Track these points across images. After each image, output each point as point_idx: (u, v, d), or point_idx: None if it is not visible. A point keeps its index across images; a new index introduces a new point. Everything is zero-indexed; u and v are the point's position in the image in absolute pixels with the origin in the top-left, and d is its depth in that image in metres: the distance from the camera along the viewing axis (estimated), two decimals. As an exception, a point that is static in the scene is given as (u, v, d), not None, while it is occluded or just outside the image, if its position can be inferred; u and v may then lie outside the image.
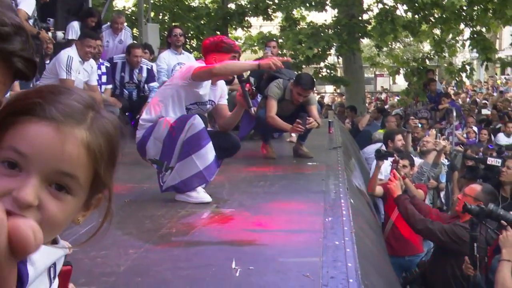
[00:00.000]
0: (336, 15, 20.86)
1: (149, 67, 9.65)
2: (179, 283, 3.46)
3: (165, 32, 20.28)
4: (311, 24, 20.91)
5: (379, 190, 7.69)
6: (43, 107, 1.11)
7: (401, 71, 23.95)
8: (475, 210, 5.22)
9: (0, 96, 1.12)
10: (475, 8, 19.43)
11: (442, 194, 10.12)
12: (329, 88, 34.10)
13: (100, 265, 3.55)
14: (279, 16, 22.56)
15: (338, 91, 30.40)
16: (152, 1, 19.62)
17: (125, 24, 11.16)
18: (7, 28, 1.06)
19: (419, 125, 12.44)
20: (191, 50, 18.42)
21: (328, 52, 20.80)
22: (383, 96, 33.72)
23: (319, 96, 27.79)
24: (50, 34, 8.72)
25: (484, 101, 24.95)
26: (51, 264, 1.20)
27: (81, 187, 1.14)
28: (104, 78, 9.15)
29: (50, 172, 1.09)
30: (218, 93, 5.81)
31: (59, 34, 8.84)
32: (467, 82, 27.25)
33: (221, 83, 5.90)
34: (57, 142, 1.10)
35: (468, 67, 20.70)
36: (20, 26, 1.08)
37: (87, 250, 3.61)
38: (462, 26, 20.52)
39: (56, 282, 1.23)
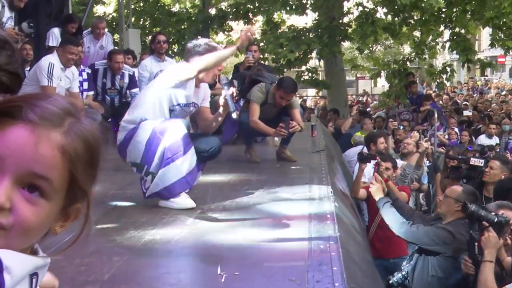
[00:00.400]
0: (317, 18, 20.84)
1: (131, 73, 9.62)
2: None
3: (146, 38, 20.41)
4: (292, 27, 20.96)
5: (362, 193, 7.71)
6: (21, 110, 1.11)
7: (382, 73, 24.03)
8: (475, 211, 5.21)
9: None
10: (454, 10, 19.53)
11: (421, 195, 10.18)
12: (311, 92, 34.16)
13: (84, 272, 3.53)
14: (259, 20, 22.61)
15: (320, 94, 30.46)
16: (132, 7, 19.61)
17: (106, 29, 11.13)
18: None
19: (400, 127, 12.49)
20: (173, 55, 18.38)
21: (309, 56, 20.83)
22: (365, 98, 33.87)
23: (301, 99, 27.83)
24: (16, 28, 8.62)
25: (464, 103, 25.13)
26: (32, 273, 1.18)
27: (55, 191, 1.12)
28: (85, 85, 9.10)
29: (23, 174, 1.08)
30: (201, 95, 5.81)
31: (24, 24, 8.69)
32: (448, 83, 27.41)
33: (204, 86, 5.89)
34: (30, 144, 1.09)
35: (448, 69, 20.82)
36: (6, 40, 1.06)
37: (70, 257, 3.59)
38: (441, 28, 20.61)
39: None
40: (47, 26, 9.94)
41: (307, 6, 20.73)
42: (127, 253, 4.03)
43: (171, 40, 19.80)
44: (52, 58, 8.00)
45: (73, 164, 1.13)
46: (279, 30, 21.07)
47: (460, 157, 9.07)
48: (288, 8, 20.56)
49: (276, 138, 7.87)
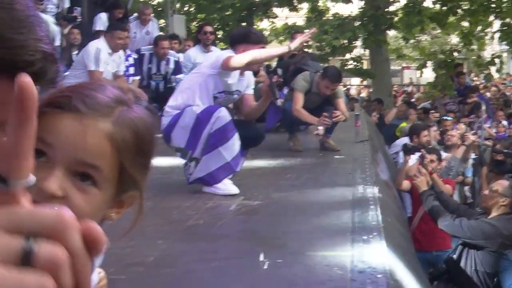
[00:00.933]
0: (363, 6, 20.64)
1: (177, 59, 9.66)
2: (206, 275, 3.48)
3: (191, 24, 20.47)
4: (337, 15, 20.79)
5: (406, 184, 7.65)
6: (70, 101, 1.13)
7: (428, 63, 23.70)
8: None
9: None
10: (504, 0, 19.13)
11: (466, 188, 10.03)
12: (355, 81, 33.90)
13: (129, 255, 3.57)
14: (304, 7, 22.46)
15: (365, 83, 30.21)
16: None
17: (152, 15, 11.19)
18: (34, 57, 1.05)
19: (446, 118, 12.28)
20: (217, 41, 18.38)
21: (354, 44, 20.66)
22: (410, 88, 33.41)
23: (345, 88, 27.62)
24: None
25: (512, 95, 24.63)
26: None
27: (106, 179, 1.14)
28: (131, 70, 9.16)
29: (74, 163, 1.11)
30: (245, 83, 5.81)
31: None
32: (497, 75, 26.90)
33: (249, 74, 5.88)
34: (79, 134, 1.11)
35: (497, 60, 20.44)
36: (46, 52, 1.06)
37: (115, 239, 3.64)
38: (491, 18, 20.22)
39: (93, 279, 1.24)
40: (94, 11, 10.04)
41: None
42: (171, 237, 4.08)
43: (215, 26, 19.86)
44: (99, 43, 8.09)
45: (122, 153, 1.14)
46: (324, 18, 20.93)
47: (506, 151, 8.95)
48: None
49: (320, 128, 7.84)
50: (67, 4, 9.64)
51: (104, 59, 7.99)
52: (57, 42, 8.93)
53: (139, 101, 1.24)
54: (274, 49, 5.94)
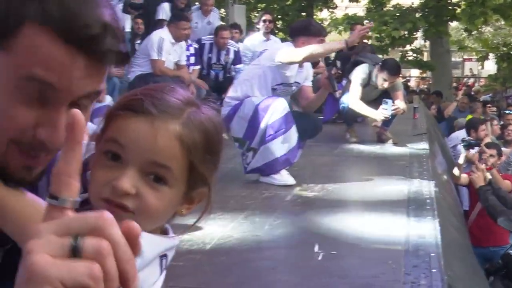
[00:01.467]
0: (424, -3, 20.33)
1: (236, 49, 9.69)
2: (261, 264, 3.51)
3: (251, 13, 20.48)
4: (398, 6, 20.51)
5: (464, 179, 7.54)
6: (142, 104, 1.16)
7: (491, 56, 23.19)
8: None
9: (99, 86, 1.18)
10: None
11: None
12: (415, 72, 33.39)
13: (187, 242, 3.65)
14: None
15: (424, 75, 29.73)
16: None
17: (213, 5, 11.25)
18: (95, 29, 1.11)
19: (508, 112, 11.98)
20: (276, 31, 18.37)
21: (414, 35, 20.34)
22: (471, 81, 32.76)
23: (404, 79, 27.25)
24: None
25: None
26: (161, 254, 1.24)
27: (176, 178, 1.17)
28: (192, 59, 9.23)
29: (146, 163, 1.14)
30: (303, 75, 5.81)
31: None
32: None
33: (307, 65, 5.89)
34: (151, 135, 1.14)
35: None
36: (107, 23, 1.11)
37: (174, 227, 3.71)
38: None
39: (164, 274, 1.29)
40: (156, 0, 10.13)
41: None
42: (227, 226, 4.13)
43: (274, 16, 19.84)
44: (162, 33, 8.20)
45: (191, 153, 1.17)
46: (384, 9, 20.69)
47: None
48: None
49: (378, 119, 7.79)
50: None
51: (166, 49, 8.09)
52: (127, 29, 9.07)
53: (207, 102, 1.28)
54: (332, 44, 5.93)
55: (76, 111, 0.86)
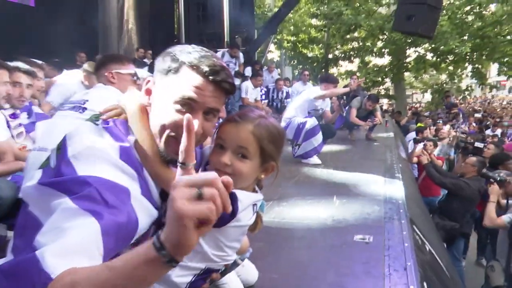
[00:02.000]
0: (390, 60, 19.79)
1: (287, 91, 9.66)
2: (305, 205, 3.35)
3: (295, 71, 20.34)
4: (375, 64, 20.10)
5: (415, 160, 7.30)
6: (233, 116, 1.19)
7: (428, 91, 22.32)
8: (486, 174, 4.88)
9: (220, 106, 1.16)
10: (474, 54, 17.80)
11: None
12: (385, 100, 32.31)
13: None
14: (356, 61, 21.79)
15: (391, 102, 28.82)
16: (286, 54, 19.56)
17: (275, 67, 11.24)
18: (217, 68, 1.10)
19: (439, 122, 11.48)
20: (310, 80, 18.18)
21: (385, 81, 19.82)
22: (417, 105, 31.51)
23: (380, 105, 26.38)
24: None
25: (479, 108, 22.80)
26: (253, 203, 1.24)
27: (252, 154, 1.17)
28: (263, 97, 9.27)
29: (235, 147, 1.16)
30: (325, 104, 5.75)
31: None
32: (468, 97, 24.92)
33: (327, 99, 5.82)
34: (236, 132, 1.16)
35: (470, 88, 19.01)
36: (222, 65, 1.12)
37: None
38: (466, 64, 18.90)
39: (254, 216, 1.27)
40: (246, 65, 10.01)
41: (384, 52, 19.73)
42: (282, 185, 3.98)
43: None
44: (247, 83, 8.24)
45: (260, 141, 1.17)
46: (368, 66, 20.26)
47: (469, 141, 8.35)
48: (373, 55, 19.76)
49: (367, 127, 7.60)
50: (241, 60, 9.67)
51: (250, 92, 8.13)
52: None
53: (271, 116, 1.27)
54: (341, 89, 5.86)
55: (188, 116, 0.89)
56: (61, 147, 1.01)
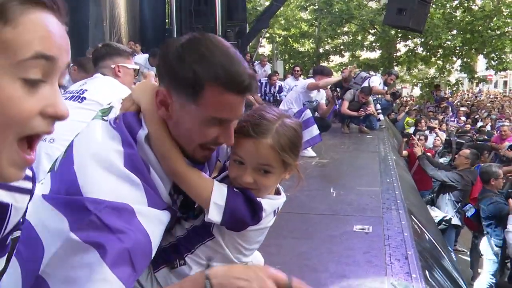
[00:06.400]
0: (381, 53, 19.93)
1: (280, 85, 9.61)
2: (303, 198, 3.35)
3: (286, 65, 20.32)
4: (366, 58, 20.27)
5: (405, 153, 7.36)
6: (248, 130, 1.09)
7: (418, 84, 22.51)
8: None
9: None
10: (464, 48, 17.94)
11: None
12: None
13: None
14: (347, 55, 21.85)
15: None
16: (279, 49, 19.56)
17: (267, 61, 11.18)
18: (246, 80, 1.00)
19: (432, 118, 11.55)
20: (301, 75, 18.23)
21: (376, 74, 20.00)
22: (408, 99, 31.74)
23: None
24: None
25: (467, 102, 23.01)
26: (275, 209, 1.19)
27: (275, 168, 1.09)
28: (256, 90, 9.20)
29: (256, 165, 1.09)
30: (320, 96, 5.72)
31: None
32: (461, 89, 25.20)
33: (322, 91, 5.79)
34: (255, 150, 1.08)
35: (459, 82, 19.25)
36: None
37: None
38: (455, 58, 19.08)
39: (275, 217, 1.22)
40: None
41: (374, 46, 19.77)
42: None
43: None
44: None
45: (281, 152, 1.09)
46: (360, 59, 20.39)
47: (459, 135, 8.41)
48: (365, 49, 19.83)
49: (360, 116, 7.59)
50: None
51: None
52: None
53: (289, 116, 1.15)
54: (335, 78, 5.83)
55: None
56: (67, 151, 1.01)
